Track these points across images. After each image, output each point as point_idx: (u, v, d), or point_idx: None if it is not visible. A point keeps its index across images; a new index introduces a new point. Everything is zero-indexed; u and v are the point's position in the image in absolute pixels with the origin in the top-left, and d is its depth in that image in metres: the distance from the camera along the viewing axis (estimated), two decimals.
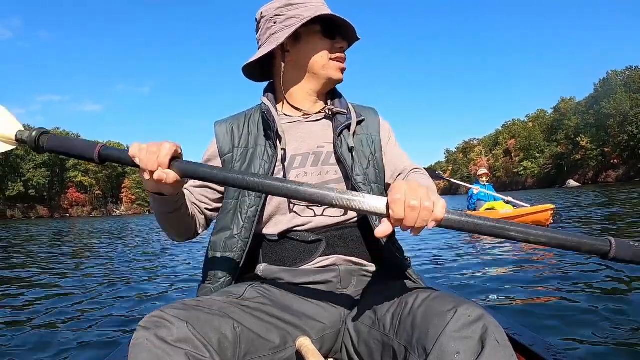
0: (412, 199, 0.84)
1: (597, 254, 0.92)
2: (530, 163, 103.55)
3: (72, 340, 2.86)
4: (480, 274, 4.56)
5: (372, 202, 0.89)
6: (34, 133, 1.02)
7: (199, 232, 1.32)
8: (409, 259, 1.29)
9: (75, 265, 6.97)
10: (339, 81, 1.32)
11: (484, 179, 10.87)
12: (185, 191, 1.28)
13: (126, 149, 1.00)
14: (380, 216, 0.90)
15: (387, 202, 0.87)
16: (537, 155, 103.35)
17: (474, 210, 10.34)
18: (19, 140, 1.07)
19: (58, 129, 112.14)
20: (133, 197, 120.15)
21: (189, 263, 6.59)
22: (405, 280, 1.20)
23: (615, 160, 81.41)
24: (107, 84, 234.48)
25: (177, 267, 6.25)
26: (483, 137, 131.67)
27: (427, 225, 0.85)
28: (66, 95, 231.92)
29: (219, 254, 1.24)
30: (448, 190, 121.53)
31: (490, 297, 3.52)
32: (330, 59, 1.27)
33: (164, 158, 0.94)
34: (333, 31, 1.26)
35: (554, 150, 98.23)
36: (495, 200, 10.22)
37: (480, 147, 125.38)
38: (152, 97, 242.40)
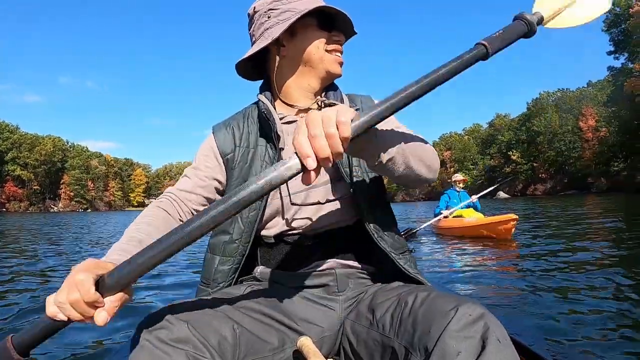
0: (312, 129, 0.71)
1: (481, 59, 0.89)
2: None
3: (71, 340, 2.74)
4: (478, 272, 4.47)
5: (287, 164, 0.72)
6: None
7: None
8: (410, 257, 1.19)
9: (72, 263, 5.95)
10: (338, 75, 1.20)
11: (460, 185, 10.20)
12: (185, 194, 1.16)
13: (39, 318, 0.75)
14: (297, 171, 0.73)
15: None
16: (471, 167, 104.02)
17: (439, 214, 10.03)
18: None
19: None
20: (72, 194, 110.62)
21: (188, 263, 6.06)
22: (403, 280, 1.13)
23: (543, 175, 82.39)
24: (50, 74, 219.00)
25: (176, 267, 5.67)
26: None
27: (342, 149, 0.72)
28: (6, 85, 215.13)
29: (217, 257, 1.16)
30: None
31: (489, 296, 3.46)
32: (327, 50, 1.16)
33: (92, 296, 0.70)
34: (329, 24, 1.16)
35: (487, 163, 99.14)
36: (465, 207, 9.71)
37: None
38: (98, 92, 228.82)
